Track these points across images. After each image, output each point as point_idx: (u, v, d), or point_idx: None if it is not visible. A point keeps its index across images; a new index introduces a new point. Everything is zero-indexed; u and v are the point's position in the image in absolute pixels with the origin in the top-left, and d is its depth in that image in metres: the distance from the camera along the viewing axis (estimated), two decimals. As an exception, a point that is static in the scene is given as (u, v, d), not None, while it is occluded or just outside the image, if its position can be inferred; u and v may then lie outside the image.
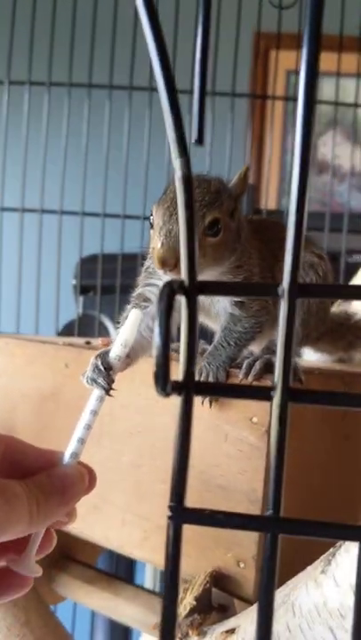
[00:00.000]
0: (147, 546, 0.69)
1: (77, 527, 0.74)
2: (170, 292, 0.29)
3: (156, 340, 0.28)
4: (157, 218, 0.60)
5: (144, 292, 0.66)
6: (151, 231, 0.62)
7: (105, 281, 1.37)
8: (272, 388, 0.29)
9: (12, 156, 1.27)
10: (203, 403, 0.63)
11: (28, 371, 0.81)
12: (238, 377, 0.63)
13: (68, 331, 1.40)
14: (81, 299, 1.47)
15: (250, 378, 0.62)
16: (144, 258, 1.41)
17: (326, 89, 1.91)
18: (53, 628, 0.82)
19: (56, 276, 1.31)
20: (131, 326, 0.53)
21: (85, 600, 0.95)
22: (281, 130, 2.29)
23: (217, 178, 0.64)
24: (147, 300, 0.66)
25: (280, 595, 0.53)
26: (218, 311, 0.67)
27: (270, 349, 0.66)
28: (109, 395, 0.57)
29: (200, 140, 0.28)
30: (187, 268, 0.30)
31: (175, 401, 0.70)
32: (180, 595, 0.63)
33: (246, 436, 0.62)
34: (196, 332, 0.31)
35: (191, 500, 0.66)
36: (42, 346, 0.81)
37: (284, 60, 1.90)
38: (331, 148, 2.29)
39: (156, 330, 0.28)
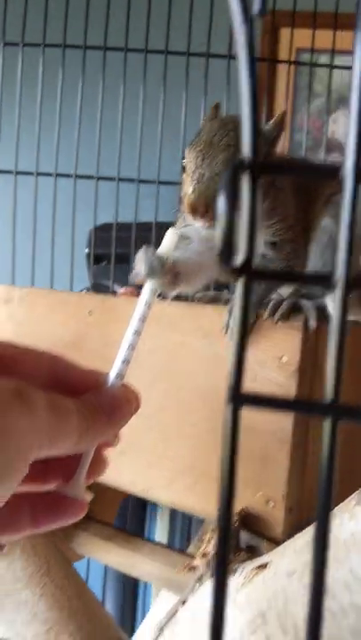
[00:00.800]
0: (173, 488, 0.68)
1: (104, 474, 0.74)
2: (234, 168, 0.29)
3: (222, 215, 0.28)
4: (189, 161, 0.59)
5: (185, 232, 0.64)
6: (184, 175, 0.61)
7: (119, 250, 1.36)
8: (333, 275, 0.28)
9: (26, 120, 1.26)
10: (225, 332, 0.63)
11: (49, 319, 0.80)
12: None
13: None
14: (94, 268, 1.46)
15: (276, 317, 0.62)
16: (159, 226, 1.39)
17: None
18: (73, 578, 0.82)
19: (70, 245, 1.30)
20: (169, 243, 0.51)
21: (104, 557, 0.95)
22: (291, 107, 2.27)
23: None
24: (187, 238, 0.65)
25: (312, 532, 0.53)
26: None
27: (298, 292, 0.66)
28: (164, 294, 0.55)
29: (263, 10, 0.28)
30: (250, 144, 0.29)
31: (200, 344, 0.69)
32: (208, 535, 0.63)
33: (275, 376, 0.61)
34: (257, 214, 0.30)
35: (220, 443, 0.66)
36: (64, 294, 0.80)
37: (295, 39, 1.89)
38: (341, 125, 2.29)
39: (222, 205, 0.27)
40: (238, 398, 0.32)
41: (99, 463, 0.49)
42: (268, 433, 0.62)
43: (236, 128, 0.60)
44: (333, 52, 1.62)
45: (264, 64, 2.29)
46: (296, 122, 2.27)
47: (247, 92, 0.29)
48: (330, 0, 1.47)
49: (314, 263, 0.68)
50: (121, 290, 0.79)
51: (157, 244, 0.52)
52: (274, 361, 0.61)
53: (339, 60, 1.78)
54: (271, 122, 0.63)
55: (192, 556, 0.93)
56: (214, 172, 0.57)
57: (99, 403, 0.46)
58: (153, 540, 0.98)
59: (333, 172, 0.30)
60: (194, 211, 0.56)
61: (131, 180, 1.27)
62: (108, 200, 1.29)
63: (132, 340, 0.52)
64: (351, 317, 0.79)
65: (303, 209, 0.67)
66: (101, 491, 0.71)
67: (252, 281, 0.33)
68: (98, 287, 1.46)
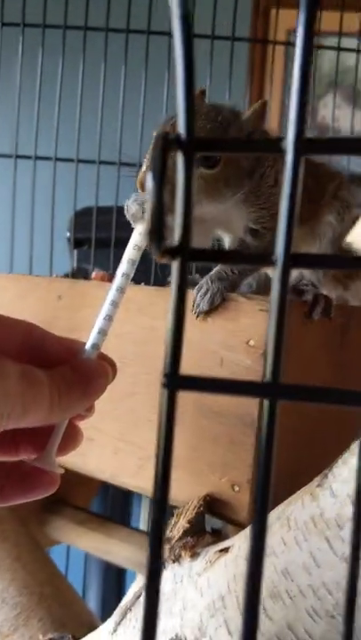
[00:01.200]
0: (141, 474, 0.68)
1: (71, 460, 0.73)
2: (164, 144, 0.28)
3: (151, 193, 0.27)
4: (153, 139, 0.58)
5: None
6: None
7: (100, 234, 1.35)
8: (272, 253, 0.27)
9: (4, 103, 1.24)
10: (194, 312, 0.62)
11: (20, 304, 0.79)
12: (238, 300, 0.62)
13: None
14: (75, 252, 1.45)
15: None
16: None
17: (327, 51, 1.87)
18: (45, 564, 0.82)
19: (50, 229, 1.28)
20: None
21: (78, 542, 0.95)
22: (281, 80, 2.25)
23: (231, 108, 0.61)
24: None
25: (275, 512, 0.52)
26: (231, 233, 0.66)
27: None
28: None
29: None
30: (184, 122, 0.28)
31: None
32: (173, 519, 0.62)
33: (242, 359, 0.61)
34: (192, 195, 0.29)
35: (188, 428, 0.66)
36: (34, 279, 0.79)
37: (284, 20, 1.87)
38: (331, 109, 2.27)
39: (150, 183, 0.26)
40: (175, 381, 0.31)
41: (72, 436, 0.48)
42: (234, 417, 0.61)
43: (207, 113, 0.59)
44: (319, 32, 1.60)
45: (256, 46, 2.26)
46: (286, 97, 2.25)
47: (182, 67, 0.28)
48: None
49: None
50: (93, 273, 0.78)
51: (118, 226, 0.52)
52: (241, 344, 0.61)
53: (328, 41, 1.76)
54: (249, 112, 0.61)
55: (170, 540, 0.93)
56: None
57: (73, 374, 0.45)
58: (129, 525, 0.98)
59: (275, 145, 0.29)
60: (141, 185, 0.56)
61: (112, 164, 1.25)
62: (88, 184, 1.28)
63: (108, 311, 0.50)
64: (325, 292, 0.78)
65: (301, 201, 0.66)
66: (75, 475, 0.71)
67: (187, 262, 0.32)
68: (79, 271, 1.45)
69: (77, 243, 1.45)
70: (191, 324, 0.65)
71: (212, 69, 1.22)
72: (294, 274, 0.72)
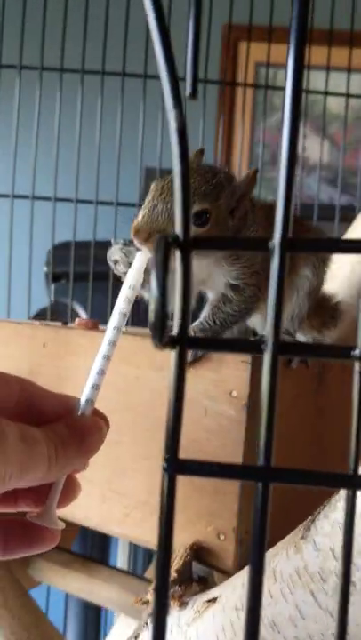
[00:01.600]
0: (128, 522, 0.69)
1: (60, 510, 0.74)
2: (165, 244, 0.30)
3: (154, 291, 0.29)
4: (150, 193, 0.62)
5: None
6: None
7: (77, 268, 1.36)
8: (262, 342, 0.29)
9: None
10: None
11: (2, 351, 0.80)
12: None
13: (39, 318, 1.39)
14: (53, 286, 1.46)
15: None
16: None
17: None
18: (31, 609, 0.82)
19: (28, 263, 1.30)
20: (138, 267, 0.53)
21: (61, 583, 0.95)
22: (250, 121, 2.30)
23: (225, 172, 0.65)
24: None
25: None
26: (213, 287, 0.69)
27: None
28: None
29: (193, 94, 0.29)
30: (182, 222, 0.30)
31: (155, 377, 0.70)
32: (161, 568, 0.64)
33: (226, 409, 0.63)
34: (190, 287, 0.31)
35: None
36: (17, 326, 0.80)
37: (253, 53, 1.92)
38: (299, 139, 2.31)
39: (154, 282, 0.29)
40: (175, 465, 0.33)
41: (71, 488, 0.49)
42: (219, 466, 0.63)
43: (203, 175, 0.62)
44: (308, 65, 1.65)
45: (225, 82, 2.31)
46: (256, 136, 2.30)
47: (179, 173, 0.30)
48: (285, 14, 1.50)
49: (292, 308, 0.70)
50: (76, 320, 0.80)
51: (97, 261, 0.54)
52: (224, 395, 0.63)
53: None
54: (243, 178, 0.65)
55: (150, 581, 0.94)
56: (166, 206, 0.60)
57: (69, 432, 0.46)
58: (113, 566, 0.99)
59: (263, 244, 0.31)
60: (136, 234, 0.59)
61: (89, 202, 1.27)
62: (66, 220, 1.29)
63: (101, 365, 0.51)
64: (306, 338, 0.81)
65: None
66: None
67: (185, 349, 0.34)
68: (57, 305, 1.46)
69: (55, 277, 1.46)
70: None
71: (185, 107, 1.25)
72: None
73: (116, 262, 0.66)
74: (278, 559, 0.52)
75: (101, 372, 0.51)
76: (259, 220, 0.68)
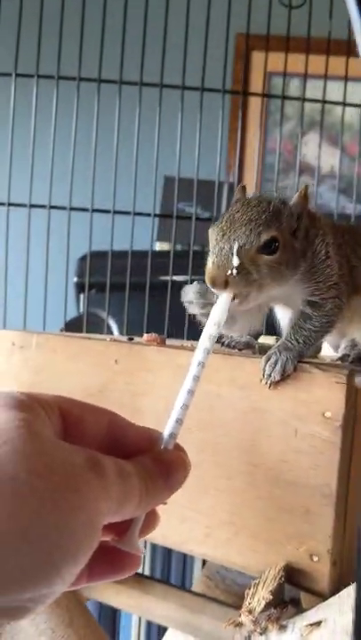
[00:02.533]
0: (209, 543, 0.68)
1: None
2: None
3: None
4: (212, 238, 0.63)
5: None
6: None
7: (102, 278, 1.35)
8: None
9: (17, 153, 1.24)
10: (265, 382, 0.64)
11: (71, 367, 0.79)
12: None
13: (71, 329, 1.38)
14: (81, 296, 1.45)
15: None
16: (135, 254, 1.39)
17: (313, 91, 1.93)
18: (94, 628, 0.81)
19: (56, 273, 1.29)
20: (222, 306, 0.56)
21: (114, 600, 0.94)
22: (263, 130, 2.31)
23: (278, 198, 0.66)
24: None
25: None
26: (290, 305, 0.68)
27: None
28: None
29: None
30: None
31: (237, 396, 0.69)
32: (251, 590, 0.63)
33: (319, 431, 0.62)
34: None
35: (260, 497, 0.67)
36: (86, 342, 0.79)
37: (265, 62, 1.92)
38: (311, 149, 2.33)
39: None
40: None
41: (151, 520, 0.49)
42: (311, 488, 0.62)
43: (258, 205, 0.63)
44: (306, 76, 1.65)
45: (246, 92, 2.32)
46: (268, 145, 2.31)
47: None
48: (302, 25, 1.51)
49: None
50: (145, 336, 0.79)
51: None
52: (317, 416, 0.62)
53: (310, 84, 1.81)
54: (295, 197, 0.66)
55: (202, 596, 0.93)
56: (233, 245, 0.60)
57: (156, 466, 0.46)
58: (167, 582, 0.98)
59: None
60: (213, 283, 0.60)
61: (106, 212, 1.27)
62: (82, 230, 1.29)
63: (185, 400, 0.52)
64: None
65: (350, 268, 0.68)
66: None
67: None
68: (88, 316, 1.45)
69: (83, 287, 1.45)
70: (261, 391, 0.66)
71: (201, 118, 1.27)
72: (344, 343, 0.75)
73: (190, 303, 0.68)
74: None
75: (185, 407, 0.52)
76: (324, 229, 0.68)
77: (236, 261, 0.59)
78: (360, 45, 0.26)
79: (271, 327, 0.79)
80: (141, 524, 0.48)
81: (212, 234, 0.63)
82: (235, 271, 0.59)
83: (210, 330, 0.54)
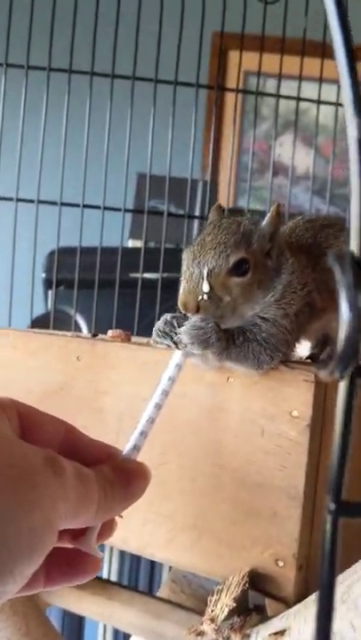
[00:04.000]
0: (172, 547, 0.66)
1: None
2: (352, 261, 0.27)
3: (345, 314, 0.26)
4: (184, 261, 0.62)
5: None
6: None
7: (70, 275, 1.32)
8: None
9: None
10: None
11: (31, 364, 0.76)
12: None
13: (38, 326, 1.34)
14: (50, 293, 1.41)
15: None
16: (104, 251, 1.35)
17: (288, 92, 1.92)
18: (54, 637, 0.78)
19: (25, 269, 1.25)
20: (176, 361, 0.56)
21: (76, 606, 0.91)
22: (238, 129, 2.29)
23: (248, 218, 0.65)
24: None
25: (337, 592, 0.51)
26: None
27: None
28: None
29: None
30: (358, 241, 0.28)
31: (203, 395, 0.67)
32: (214, 597, 0.61)
33: (286, 430, 0.60)
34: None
35: (225, 499, 0.64)
36: (48, 337, 0.76)
37: (242, 61, 1.91)
38: (285, 149, 2.32)
39: (344, 304, 0.26)
40: (338, 508, 0.31)
41: (109, 524, 0.48)
42: (278, 489, 0.60)
43: (228, 227, 0.62)
44: (280, 77, 1.64)
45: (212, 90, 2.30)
46: (243, 145, 2.29)
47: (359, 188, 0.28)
48: (277, 24, 1.49)
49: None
50: (109, 332, 0.76)
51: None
52: (284, 415, 0.60)
53: (285, 85, 1.80)
54: (267, 217, 0.64)
55: (167, 602, 0.90)
56: (203, 269, 0.60)
57: (115, 475, 0.45)
58: (132, 587, 0.95)
59: None
60: (185, 307, 0.60)
61: (75, 205, 1.24)
62: (52, 226, 1.25)
63: (152, 413, 0.52)
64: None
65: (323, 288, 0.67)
66: None
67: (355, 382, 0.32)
68: (55, 313, 1.41)
69: (51, 283, 1.41)
70: (228, 390, 0.64)
71: (175, 112, 1.25)
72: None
73: (155, 342, 0.65)
74: (359, 590, 0.50)
75: (151, 420, 0.52)
76: (292, 251, 0.66)
77: (206, 286, 0.59)
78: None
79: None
80: (100, 525, 0.46)
81: (185, 258, 0.62)
82: (205, 296, 0.59)
83: (164, 383, 0.54)
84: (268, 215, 0.64)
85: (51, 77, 1.21)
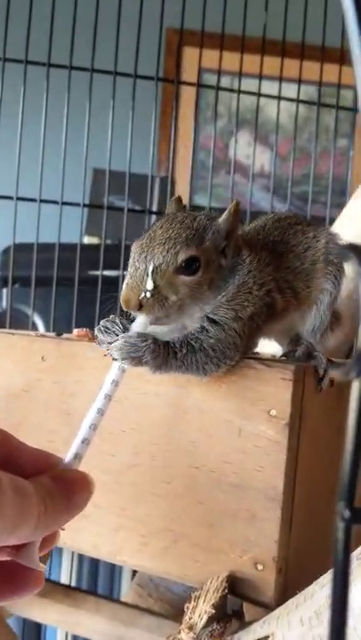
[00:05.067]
0: (145, 552, 0.63)
1: (61, 538, 0.67)
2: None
3: None
4: (131, 255, 0.59)
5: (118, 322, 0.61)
6: None
7: (26, 272, 1.28)
8: None
9: None
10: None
11: (-7, 365, 0.72)
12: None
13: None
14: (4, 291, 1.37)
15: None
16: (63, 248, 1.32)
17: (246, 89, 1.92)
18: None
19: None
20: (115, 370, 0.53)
21: (40, 615, 0.87)
22: (193, 126, 2.27)
23: (205, 214, 0.62)
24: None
25: (321, 596, 0.50)
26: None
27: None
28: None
29: None
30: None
31: (176, 394, 0.64)
32: (191, 603, 0.58)
33: (264, 430, 0.58)
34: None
35: (201, 502, 0.62)
36: (10, 337, 0.72)
37: (197, 58, 1.89)
38: (241, 147, 2.32)
39: None
40: (351, 515, 0.29)
41: (51, 536, 0.45)
42: (256, 490, 0.58)
43: (182, 222, 0.59)
44: (240, 74, 1.63)
45: (167, 84, 2.28)
46: (199, 141, 2.28)
47: None
48: (237, 23, 1.49)
49: (313, 322, 0.67)
50: (75, 331, 0.73)
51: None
52: (262, 414, 0.58)
53: (242, 83, 1.79)
54: (225, 214, 0.61)
55: (135, 607, 0.88)
56: (148, 265, 0.56)
57: (56, 487, 0.42)
58: (96, 593, 0.92)
59: None
60: (126, 305, 0.56)
61: (32, 200, 1.20)
62: (7, 222, 1.21)
63: (94, 419, 0.49)
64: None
65: (289, 284, 0.65)
66: None
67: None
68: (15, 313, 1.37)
69: (7, 281, 1.37)
70: (200, 391, 0.62)
71: (134, 106, 1.22)
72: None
73: (101, 342, 0.61)
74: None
75: (94, 427, 0.49)
76: (248, 252, 0.63)
77: (150, 284, 0.56)
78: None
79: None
80: (41, 538, 0.43)
81: (133, 251, 0.58)
82: (148, 294, 0.55)
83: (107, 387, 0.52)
84: (226, 212, 0.61)
85: (6, 69, 1.17)
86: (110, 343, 0.56)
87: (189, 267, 0.57)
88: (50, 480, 0.42)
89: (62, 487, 0.42)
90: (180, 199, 0.66)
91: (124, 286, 0.57)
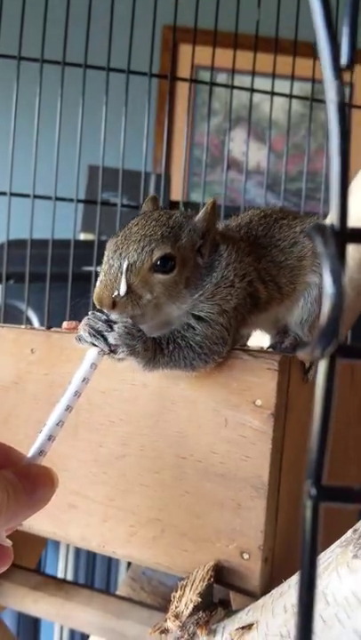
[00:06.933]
0: (133, 543, 0.64)
1: (49, 530, 0.67)
2: (334, 234, 0.26)
3: (329, 288, 0.25)
4: (106, 252, 0.58)
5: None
6: None
7: (19, 268, 1.28)
8: None
9: None
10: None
11: (-17, 357, 0.72)
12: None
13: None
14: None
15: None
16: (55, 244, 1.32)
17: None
18: (6, 636, 0.74)
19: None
20: (89, 362, 0.52)
21: (32, 608, 0.88)
22: (190, 123, 2.28)
23: (182, 212, 0.61)
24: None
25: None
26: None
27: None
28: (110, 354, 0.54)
29: (351, 65, 0.26)
30: (338, 211, 0.27)
31: (165, 384, 0.65)
32: (178, 592, 0.59)
33: (250, 420, 0.59)
34: (344, 284, 0.27)
35: (189, 491, 0.63)
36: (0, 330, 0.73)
37: (192, 55, 1.90)
38: (237, 144, 2.32)
39: (328, 278, 0.25)
40: (319, 492, 0.29)
41: (5, 553, 0.45)
42: (242, 480, 0.59)
43: (157, 219, 0.58)
44: (233, 71, 1.63)
45: (163, 81, 2.28)
46: (195, 139, 2.28)
47: (339, 152, 0.26)
48: (230, 19, 1.48)
49: (300, 314, 0.67)
50: (64, 324, 0.73)
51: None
52: (247, 405, 0.59)
53: (237, 80, 1.79)
54: (201, 212, 0.60)
55: (127, 600, 0.88)
56: (123, 263, 0.55)
57: (18, 481, 0.42)
58: (92, 586, 0.92)
59: None
60: (100, 303, 0.55)
61: (26, 196, 1.20)
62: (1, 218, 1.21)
63: (62, 416, 0.49)
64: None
65: (272, 278, 0.65)
66: (22, 535, 0.65)
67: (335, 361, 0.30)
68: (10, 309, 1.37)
69: (1, 277, 1.37)
70: (190, 379, 0.62)
71: (127, 102, 1.22)
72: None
73: (80, 339, 0.59)
74: (328, 581, 0.49)
75: (61, 424, 0.49)
76: (230, 247, 0.62)
77: (123, 282, 0.54)
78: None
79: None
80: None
81: (108, 248, 0.57)
82: (122, 292, 0.54)
83: (76, 383, 0.51)
84: (203, 210, 0.60)
85: (-1, 65, 1.17)
86: (99, 336, 0.55)
87: (164, 265, 0.56)
88: (12, 474, 0.42)
89: (25, 482, 0.42)
90: (155, 198, 0.65)
91: (97, 284, 0.56)
